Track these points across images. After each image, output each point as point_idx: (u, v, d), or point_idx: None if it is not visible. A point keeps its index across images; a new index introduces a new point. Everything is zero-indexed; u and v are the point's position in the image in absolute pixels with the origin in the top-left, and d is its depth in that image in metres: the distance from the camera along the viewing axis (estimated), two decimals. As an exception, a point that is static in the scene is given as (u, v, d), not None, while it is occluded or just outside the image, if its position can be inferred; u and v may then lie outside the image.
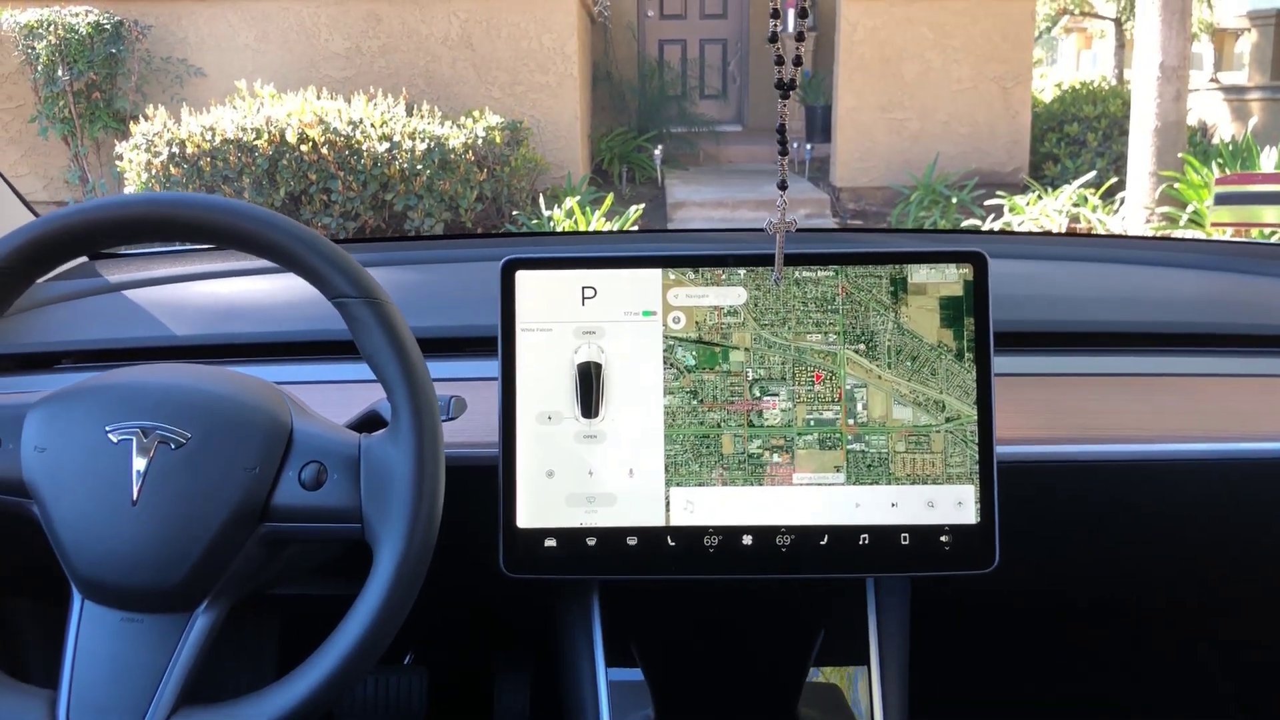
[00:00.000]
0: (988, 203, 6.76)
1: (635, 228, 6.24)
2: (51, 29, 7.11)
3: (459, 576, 0.99)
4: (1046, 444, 1.04)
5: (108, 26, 7.29)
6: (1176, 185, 6.15)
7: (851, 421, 0.96)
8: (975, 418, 0.95)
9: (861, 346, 0.96)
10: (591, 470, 0.96)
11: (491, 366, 0.98)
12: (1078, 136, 7.86)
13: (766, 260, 0.96)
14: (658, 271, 0.97)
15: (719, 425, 0.96)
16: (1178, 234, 6.04)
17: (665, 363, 0.96)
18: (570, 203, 6.41)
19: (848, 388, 0.96)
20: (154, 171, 6.34)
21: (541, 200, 6.68)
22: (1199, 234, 5.77)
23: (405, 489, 0.80)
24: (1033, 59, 8.64)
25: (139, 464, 0.80)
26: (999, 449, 0.96)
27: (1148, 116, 6.39)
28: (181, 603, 0.81)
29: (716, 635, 1.09)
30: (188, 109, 6.70)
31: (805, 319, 0.96)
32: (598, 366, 0.96)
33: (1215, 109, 9.77)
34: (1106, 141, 7.68)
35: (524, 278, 0.97)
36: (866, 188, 8.01)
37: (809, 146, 8.87)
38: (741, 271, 0.96)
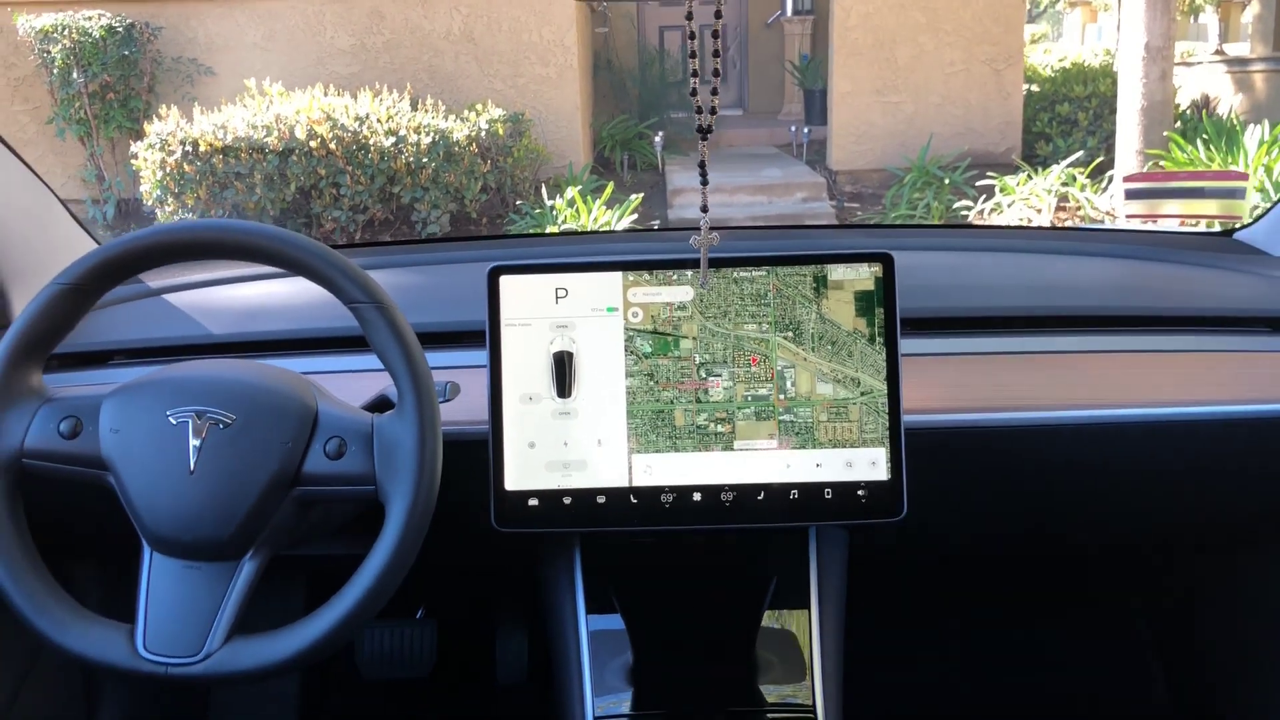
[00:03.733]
0: (980, 183, 6.91)
1: (635, 216, 6.41)
2: (66, 33, 7.30)
3: (459, 533, 1.18)
4: (947, 413, 1.23)
5: (120, 29, 7.48)
6: (1162, 164, 6.30)
7: (782, 397, 1.14)
8: (886, 391, 1.14)
9: (790, 334, 1.14)
10: (566, 441, 1.15)
11: (481, 355, 1.17)
12: (1069, 116, 8.00)
13: (710, 263, 1.15)
14: (619, 274, 1.15)
15: (672, 402, 1.15)
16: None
17: (626, 350, 1.15)
18: (572, 192, 6.59)
19: (779, 369, 1.14)
20: (168, 170, 6.53)
21: (544, 190, 6.86)
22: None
23: (410, 457, 0.99)
24: (1024, 41, 8.76)
25: (194, 441, 1.00)
26: (906, 418, 1.14)
27: (1134, 96, 6.54)
28: (231, 552, 1.00)
29: (684, 585, 1.28)
30: (199, 108, 6.89)
31: (743, 311, 1.15)
32: (570, 355, 1.15)
33: (1219, 82, 9.83)
34: (1097, 121, 7.82)
35: (506, 281, 1.16)
36: (862, 170, 8.17)
37: (806, 130, 8.99)
38: (689, 273, 1.15)
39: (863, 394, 1.14)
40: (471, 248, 1.58)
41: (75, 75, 7.35)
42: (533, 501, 1.15)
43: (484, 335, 1.16)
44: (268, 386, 1.03)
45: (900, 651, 1.72)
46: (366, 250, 1.75)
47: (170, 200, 6.62)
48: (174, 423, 1.00)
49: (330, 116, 6.56)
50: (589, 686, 1.21)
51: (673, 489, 1.15)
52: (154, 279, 1.54)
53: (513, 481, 1.15)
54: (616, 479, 1.15)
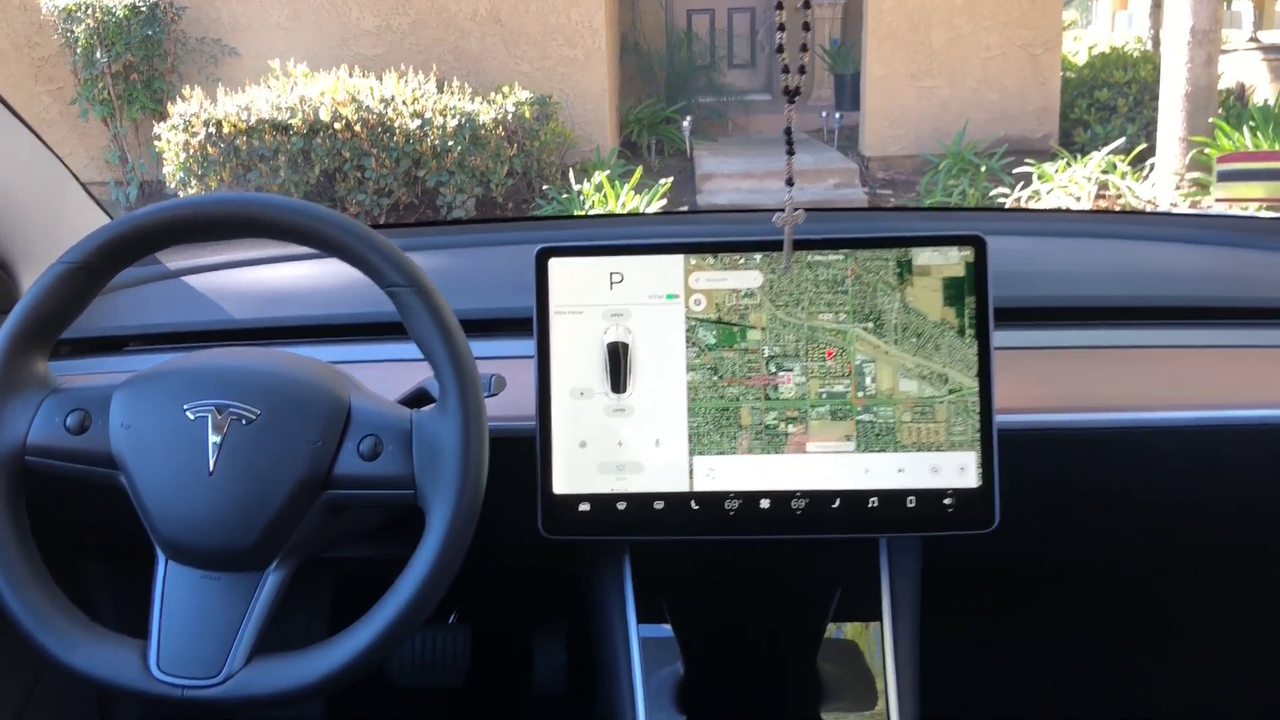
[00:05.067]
0: (1016, 170, 6.76)
1: (664, 201, 6.29)
2: (89, 12, 7.23)
3: (501, 539, 1.07)
4: (1045, 413, 1.11)
5: (143, 9, 7.40)
6: (1207, 151, 6.13)
7: (861, 394, 1.04)
8: (976, 389, 1.03)
9: (870, 324, 1.04)
10: (621, 441, 1.05)
11: (527, 345, 1.06)
12: (1108, 102, 7.82)
13: (781, 245, 1.04)
14: (680, 257, 1.04)
15: (738, 399, 1.04)
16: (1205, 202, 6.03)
17: (688, 342, 1.04)
18: (599, 177, 6.48)
19: (857, 363, 1.04)
20: (191, 151, 6.46)
21: (571, 175, 6.75)
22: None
23: (454, 458, 0.88)
24: (1062, 25, 8.57)
25: (214, 438, 0.89)
26: (999, 418, 1.03)
27: (1178, 81, 6.37)
28: (254, 562, 0.90)
29: (741, 594, 1.18)
30: (223, 89, 6.82)
31: (817, 299, 1.04)
32: (625, 346, 1.04)
33: (1255, 69, 9.63)
34: (1137, 107, 7.63)
35: (556, 264, 1.05)
36: (895, 156, 8.02)
37: (838, 115, 8.84)
38: (758, 256, 1.04)
39: (950, 392, 1.03)
40: (515, 229, 1.48)
41: (98, 55, 7.28)
42: (584, 507, 1.05)
43: (530, 324, 1.06)
44: (295, 378, 0.93)
45: (975, 672, 1.61)
46: (401, 231, 1.65)
47: (194, 182, 6.55)
48: (191, 418, 0.90)
49: (355, 98, 6.47)
50: (641, 705, 1.11)
51: (738, 495, 1.04)
52: (172, 260, 1.45)
53: (562, 485, 1.05)
54: (676, 483, 1.04)
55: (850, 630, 1.17)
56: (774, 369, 1.04)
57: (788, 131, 0.86)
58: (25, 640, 0.89)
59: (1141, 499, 1.20)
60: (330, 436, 0.91)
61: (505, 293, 1.19)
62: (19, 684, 1.31)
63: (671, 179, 6.76)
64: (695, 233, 1.06)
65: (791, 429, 1.04)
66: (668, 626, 1.15)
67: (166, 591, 0.91)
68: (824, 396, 1.04)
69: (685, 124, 8.62)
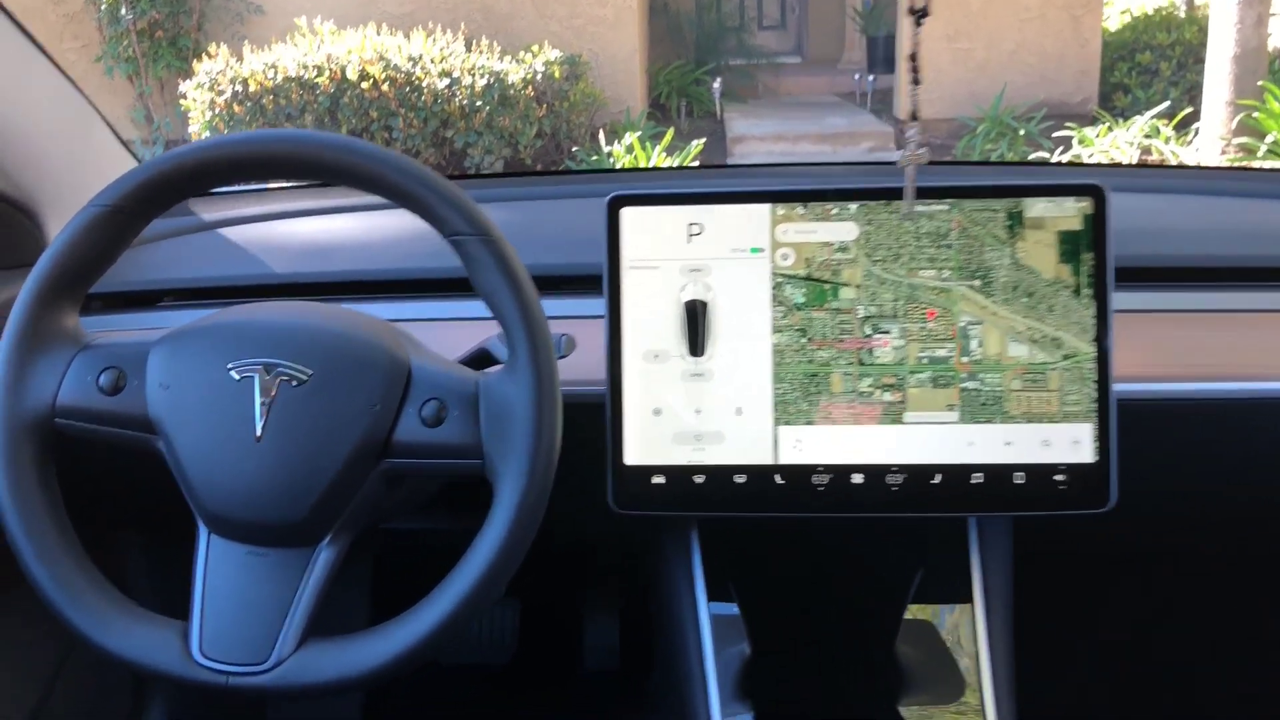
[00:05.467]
0: (1056, 135, 6.60)
1: (696, 164, 6.17)
2: (114, -33, 7.14)
3: (563, 512, 0.99)
4: (1168, 381, 1.02)
5: (168, -36, 7.31)
6: (1255, 115, 5.95)
7: (965, 359, 0.94)
8: (1093, 355, 0.93)
9: (976, 282, 0.94)
10: (699, 408, 0.96)
11: (597, 304, 0.98)
12: (1150, 65, 7.62)
13: (880, 194, 0.94)
14: (766, 206, 0.95)
15: (828, 363, 0.95)
16: (1258, 166, 5.85)
17: (773, 300, 0.95)
18: (630, 138, 6.36)
19: (961, 324, 0.94)
20: (217, 110, 6.38)
21: (601, 136, 6.63)
22: (1280, 165, 5.57)
23: (526, 425, 0.80)
24: (1105, -15, 8.35)
25: (262, 401, 0.81)
26: (1117, 387, 0.94)
27: (1226, 43, 6.17)
28: (305, 537, 0.82)
29: (814, 572, 1.09)
30: (249, 46, 6.72)
31: (919, 254, 0.94)
32: (704, 304, 0.95)
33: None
34: (1180, 70, 7.43)
35: (629, 214, 0.96)
36: (931, 120, 7.85)
37: (871, 78, 8.69)
38: (853, 206, 0.94)
39: (1065, 357, 0.94)
40: (582, 181, 1.38)
41: (124, 12, 7.19)
42: (658, 479, 0.96)
43: (600, 280, 0.97)
44: (350, 335, 0.85)
45: (1069, 662, 1.52)
46: (463, 182, 1.55)
47: (219, 141, 6.46)
48: (237, 378, 0.82)
49: (383, 56, 6.36)
50: (714, 689, 1.03)
51: (827, 468, 0.95)
52: (207, 210, 1.36)
53: (634, 455, 0.96)
54: (759, 455, 0.95)
55: (931, 613, 1.08)
56: (869, 331, 0.94)
57: (912, 57, 0.76)
58: (56, 618, 0.81)
59: (1271, 476, 1.10)
60: (389, 400, 0.82)
61: (573, 247, 1.10)
62: (47, 661, 1.24)
63: (704, 141, 6.63)
64: (781, 184, 0.97)
65: (888, 396, 0.94)
66: (734, 605, 1.07)
67: (209, 568, 0.83)
68: (924, 361, 0.94)
69: (715, 85, 8.48)
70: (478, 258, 0.82)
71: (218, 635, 0.81)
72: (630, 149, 6.27)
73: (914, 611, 1.08)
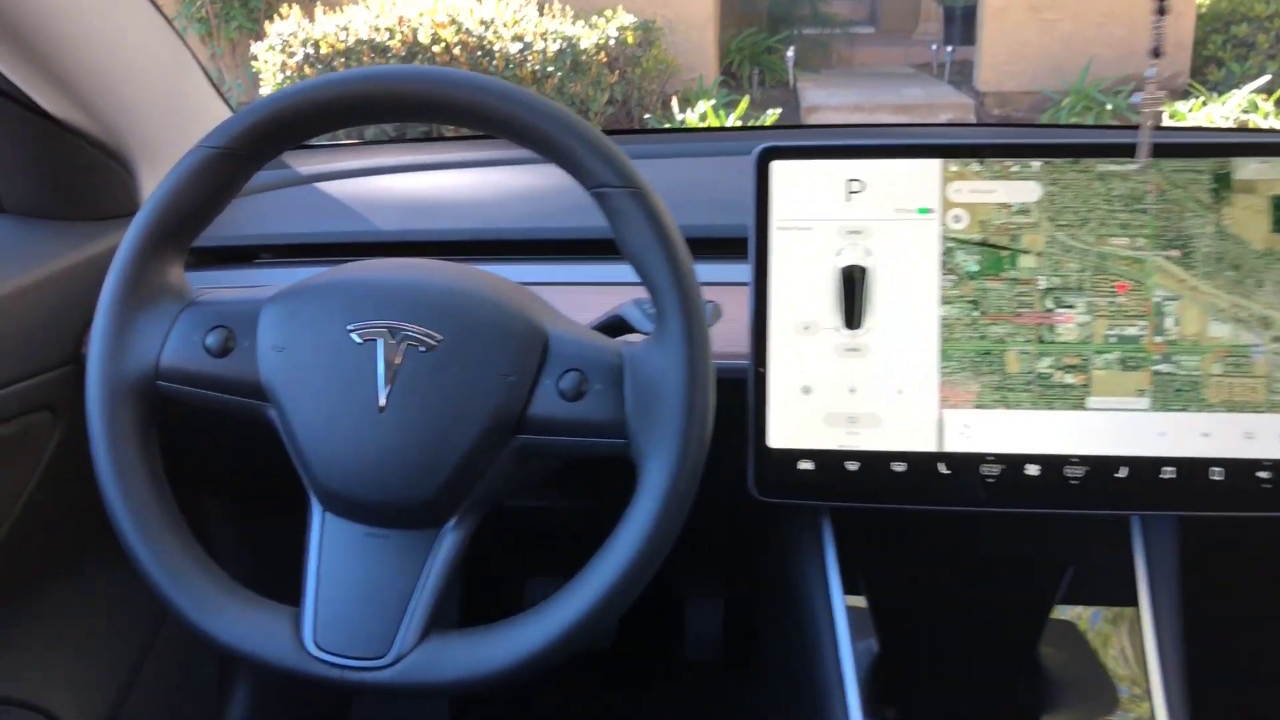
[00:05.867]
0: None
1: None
2: (188, -73, 7.14)
3: (696, 498, 0.91)
4: None
5: (241, -75, 7.29)
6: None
7: (1159, 339, 0.84)
8: None
9: (1175, 253, 0.83)
10: (853, 387, 0.86)
11: (741, 270, 0.88)
12: (1246, 38, 7.31)
13: (1066, 151, 0.83)
14: (937, 162, 0.85)
15: (1003, 340, 0.85)
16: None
17: (943, 267, 0.85)
18: (704, 106, 6.24)
19: (1156, 300, 0.83)
20: (289, 72, 6.36)
21: (675, 103, 6.51)
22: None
23: (676, 400, 0.71)
24: (1199, -47, 8.03)
25: (386, 367, 0.73)
26: None
27: (1333, 14, 5.89)
28: (430, 518, 0.74)
29: (953, 566, 1.00)
30: (321, 7, 6.68)
31: (1109, 220, 0.83)
32: (863, 271, 0.86)
33: None
34: (1279, 44, 7.12)
35: (781, 169, 0.86)
36: (1013, 92, 7.62)
37: (949, 49, 8.47)
38: (1036, 164, 0.84)
39: (1275, 339, 0.83)
40: (724, 138, 1.28)
41: (197, -28, 7.19)
42: (805, 465, 0.87)
43: (744, 244, 0.87)
44: (484, 298, 0.76)
45: (1241, 677, 1.40)
46: None
47: (290, 104, 6.45)
48: (359, 341, 0.74)
49: (455, 20, 6.30)
50: (853, 691, 0.94)
51: (999, 458, 0.85)
52: (302, 163, 1.29)
53: (780, 437, 0.87)
54: (922, 441, 0.86)
55: (1080, 615, 0.98)
56: (1051, 304, 0.84)
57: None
58: (158, 599, 0.74)
59: None
60: (526, 370, 0.74)
61: (714, 208, 1.01)
62: (137, 638, 1.18)
63: (779, 110, 6.48)
64: (954, 138, 0.86)
65: (1070, 379, 0.84)
66: (862, 599, 0.97)
67: (324, 550, 0.75)
68: (1112, 341, 0.84)
69: (789, 54, 8.31)
70: (626, 212, 0.73)
71: (333, 625, 0.73)
72: (704, 117, 6.15)
73: (1061, 612, 0.98)
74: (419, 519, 0.74)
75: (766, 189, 0.86)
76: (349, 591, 0.74)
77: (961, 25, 8.85)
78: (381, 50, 6.21)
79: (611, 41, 6.54)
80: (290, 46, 6.36)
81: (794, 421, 0.87)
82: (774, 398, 0.87)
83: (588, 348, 0.75)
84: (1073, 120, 6.61)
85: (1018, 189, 0.84)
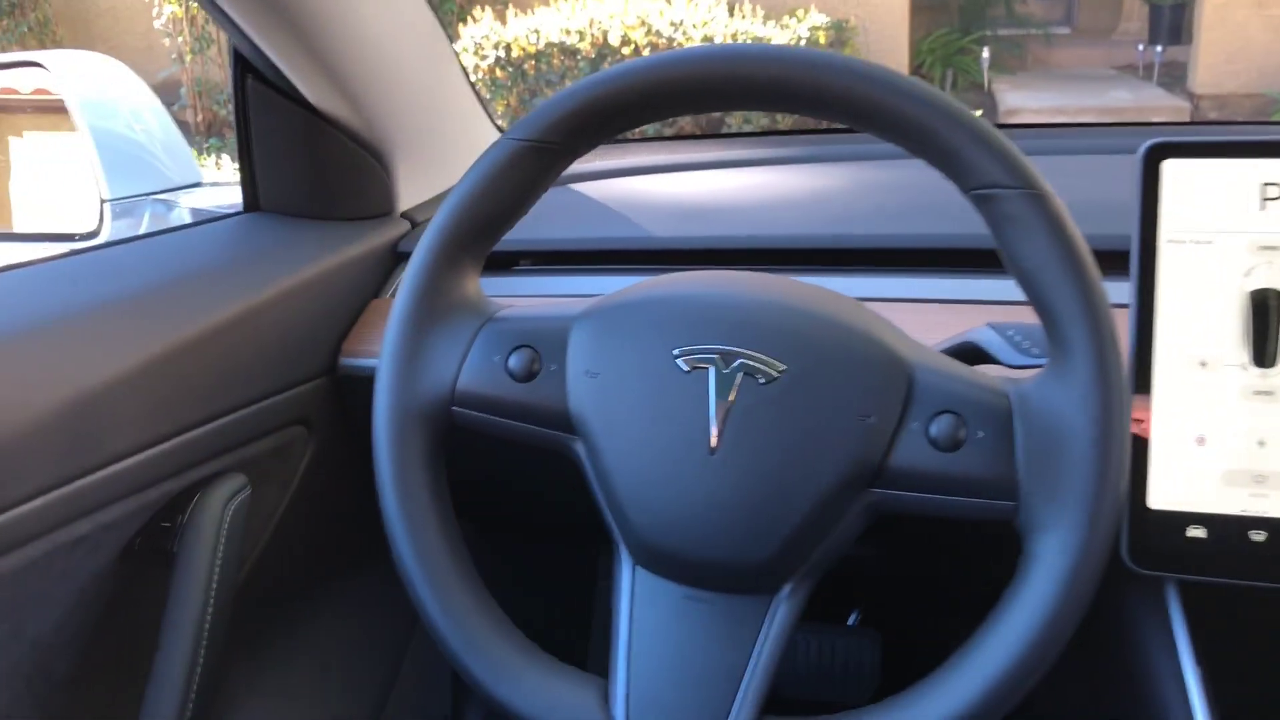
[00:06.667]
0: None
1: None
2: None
3: None
4: None
5: (436, -71, 7.43)
6: None
7: None
8: None
9: None
10: (1263, 439, 0.70)
11: (1119, 290, 0.73)
12: None
13: None
14: (1384, 165, 0.68)
15: None
16: None
17: None
18: (899, 108, 6.02)
19: None
20: (480, 75, 6.42)
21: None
22: None
23: (1086, 459, 0.57)
24: None
25: (719, 401, 0.61)
26: None
27: None
28: (763, 583, 0.62)
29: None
30: (513, 10, 6.74)
31: None
32: (1278, 296, 0.69)
33: None
34: None
35: (1174, 170, 0.71)
36: (1233, 94, 7.11)
37: (1159, 49, 7.97)
38: None
39: None
40: (1099, 135, 1.11)
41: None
42: (1196, 532, 0.71)
43: (1121, 258, 0.72)
44: (833, 322, 0.63)
45: None
46: None
47: (481, 107, 6.54)
48: (686, 368, 0.62)
49: (644, 21, 6.24)
50: None
51: None
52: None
53: (1164, 497, 0.71)
54: None
55: None
56: None
57: None
58: (451, 663, 0.65)
59: None
60: (888, 411, 0.61)
61: (1080, 213, 0.86)
62: (387, 660, 1.11)
63: (980, 112, 6.20)
64: None
65: None
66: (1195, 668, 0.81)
67: (635, 613, 0.64)
68: None
69: (984, 55, 7.98)
70: (1020, 218, 0.59)
71: (649, 703, 0.62)
72: (898, 120, 5.93)
73: None
74: (750, 583, 0.62)
75: (1155, 193, 0.71)
76: (667, 664, 0.62)
77: (1169, 23, 8.33)
78: (571, 53, 6.22)
79: (803, 41, 6.38)
80: (483, 49, 6.43)
81: (1183, 478, 0.71)
82: (1158, 448, 0.71)
83: (965, 384, 0.61)
84: (1305, 124, 6.10)
85: None
